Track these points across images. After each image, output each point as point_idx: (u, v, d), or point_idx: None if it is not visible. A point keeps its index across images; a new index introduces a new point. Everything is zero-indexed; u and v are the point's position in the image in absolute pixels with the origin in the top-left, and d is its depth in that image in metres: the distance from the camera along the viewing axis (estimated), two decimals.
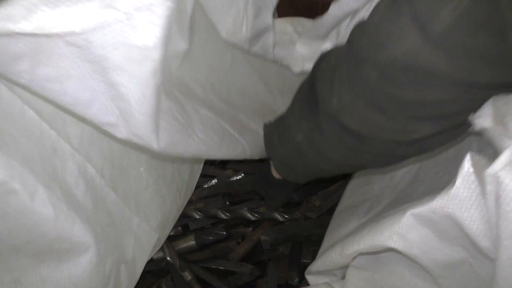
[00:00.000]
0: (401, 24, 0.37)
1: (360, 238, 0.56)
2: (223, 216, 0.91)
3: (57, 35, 0.37)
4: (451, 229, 0.47)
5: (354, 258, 0.61)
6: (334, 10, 0.60)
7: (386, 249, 0.53)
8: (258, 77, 0.74)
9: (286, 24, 0.69)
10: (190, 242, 0.89)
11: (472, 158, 0.43)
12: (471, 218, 0.43)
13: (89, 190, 0.56)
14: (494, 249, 0.42)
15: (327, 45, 0.66)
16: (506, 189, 0.38)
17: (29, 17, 0.34)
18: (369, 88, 0.43)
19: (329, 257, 0.63)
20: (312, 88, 0.53)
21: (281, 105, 0.81)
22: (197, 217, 0.93)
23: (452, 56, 0.36)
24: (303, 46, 0.66)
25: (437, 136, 0.46)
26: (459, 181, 0.43)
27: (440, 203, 0.45)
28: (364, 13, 0.59)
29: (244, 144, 0.67)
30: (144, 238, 0.70)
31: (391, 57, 0.39)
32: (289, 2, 0.80)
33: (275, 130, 0.63)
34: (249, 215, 0.91)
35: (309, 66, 0.64)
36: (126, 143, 0.59)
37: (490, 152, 0.43)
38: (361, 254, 0.59)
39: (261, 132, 0.70)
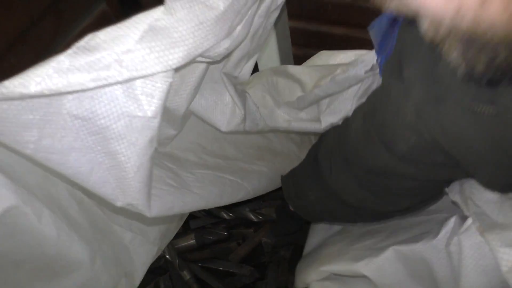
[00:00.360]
0: (375, 147, 0.53)
1: (338, 260, 0.65)
2: (225, 216, 0.90)
3: (65, 109, 0.39)
4: (423, 271, 0.56)
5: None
6: (317, 91, 0.66)
7: (359, 275, 0.60)
8: None
9: (266, 96, 0.73)
10: (190, 241, 0.87)
11: (455, 221, 0.54)
12: (442, 266, 0.54)
13: (81, 210, 0.57)
14: None
15: (305, 115, 0.73)
16: (464, 250, 0.50)
17: (41, 83, 0.36)
18: (358, 177, 0.58)
19: (304, 271, 0.72)
20: (316, 164, 0.66)
21: (278, 144, 0.85)
22: (199, 215, 0.91)
23: (412, 165, 0.52)
24: (284, 114, 0.72)
25: (416, 205, 0.62)
26: (441, 235, 0.54)
27: (421, 247, 0.55)
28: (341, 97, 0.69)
29: (247, 186, 0.69)
30: (141, 251, 0.70)
31: (371, 166, 0.56)
32: (299, 3, 0.79)
33: (292, 186, 0.74)
34: (251, 216, 0.89)
35: (293, 125, 0.73)
36: None
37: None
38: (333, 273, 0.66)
39: (265, 170, 0.76)
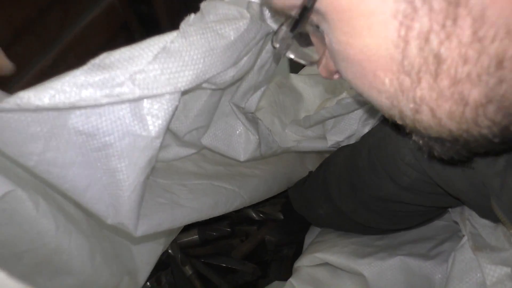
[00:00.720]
0: (381, 178, 0.57)
1: (337, 252, 0.66)
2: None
3: (71, 123, 0.40)
4: (421, 287, 0.59)
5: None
6: (323, 113, 0.68)
7: (356, 272, 0.62)
8: None
9: (275, 119, 0.74)
10: (193, 236, 0.87)
11: (465, 243, 0.55)
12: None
13: (77, 206, 0.57)
14: None
15: (311, 133, 0.75)
16: (455, 264, 0.54)
17: (55, 96, 0.36)
18: (366, 202, 0.62)
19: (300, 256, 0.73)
20: (324, 185, 0.69)
21: None
22: None
23: (417, 194, 0.56)
24: (291, 133, 0.74)
25: (424, 223, 0.67)
26: (456, 256, 0.55)
27: (431, 266, 0.58)
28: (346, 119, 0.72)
29: (243, 195, 0.68)
30: (144, 251, 0.70)
31: (377, 194, 0.59)
32: None
33: (300, 200, 0.77)
34: (253, 214, 0.89)
35: (302, 144, 0.74)
36: None
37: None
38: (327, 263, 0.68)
39: (266, 178, 0.76)
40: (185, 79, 0.41)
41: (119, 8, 0.80)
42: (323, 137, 0.74)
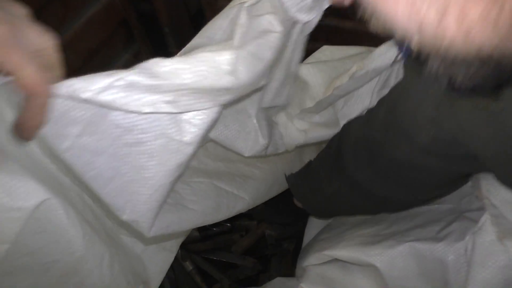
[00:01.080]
0: (398, 139, 0.54)
1: (345, 246, 0.63)
2: None
3: (112, 115, 0.41)
4: (435, 272, 0.57)
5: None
6: (336, 93, 0.66)
7: (367, 264, 0.60)
8: None
9: (280, 111, 0.72)
10: (193, 232, 0.87)
11: (484, 224, 0.53)
12: (458, 269, 0.55)
13: (95, 216, 0.57)
14: None
15: (320, 118, 0.73)
16: (475, 251, 0.52)
17: (99, 94, 0.37)
18: (383, 169, 0.58)
19: (304, 257, 0.71)
20: (339, 156, 0.64)
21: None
22: None
23: (433, 157, 0.52)
24: (298, 125, 0.72)
25: (442, 194, 0.63)
26: (476, 240, 0.53)
27: (442, 248, 0.56)
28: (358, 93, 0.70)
29: (245, 197, 0.68)
30: (157, 260, 0.70)
31: (394, 158, 0.55)
32: None
33: (305, 183, 0.72)
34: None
35: (311, 135, 0.72)
36: None
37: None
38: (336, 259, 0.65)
39: (265, 178, 0.74)
40: (227, 97, 0.43)
41: (118, 5, 0.80)
42: (333, 121, 0.72)
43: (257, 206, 0.73)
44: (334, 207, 0.70)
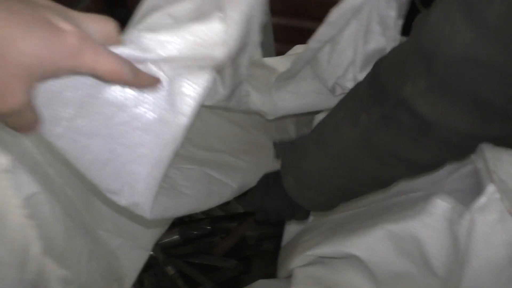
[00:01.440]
0: (454, 22, 0.37)
1: (326, 243, 0.63)
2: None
3: (105, 92, 0.40)
4: (412, 247, 0.57)
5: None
6: (312, 44, 0.61)
7: (348, 256, 0.60)
8: (228, 121, 0.80)
9: (259, 70, 0.71)
10: (174, 236, 0.88)
11: (489, 200, 0.51)
12: (436, 243, 0.55)
13: (75, 211, 0.57)
14: (443, 267, 0.55)
15: (304, 83, 0.70)
16: (475, 228, 0.51)
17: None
18: (438, 78, 0.42)
19: (287, 258, 0.70)
20: (375, 82, 0.50)
21: (264, 138, 0.83)
22: None
23: (507, 48, 0.35)
24: (277, 88, 0.69)
25: (441, 161, 0.48)
26: (437, 214, 0.55)
27: (414, 225, 0.56)
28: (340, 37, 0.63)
29: (233, 185, 0.69)
30: (132, 257, 0.70)
31: (448, 55, 0.39)
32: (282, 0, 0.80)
33: (307, 138, 0.58)
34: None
35: (282, 111, 0.69)
36: None
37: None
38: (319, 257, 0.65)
39: (251, 169, 0.72)
40: (219, 64, 0.42)
41: (94, 11, 0.80)
42: (318, 88, 0.69)
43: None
44: (325, 183, 0.56)
